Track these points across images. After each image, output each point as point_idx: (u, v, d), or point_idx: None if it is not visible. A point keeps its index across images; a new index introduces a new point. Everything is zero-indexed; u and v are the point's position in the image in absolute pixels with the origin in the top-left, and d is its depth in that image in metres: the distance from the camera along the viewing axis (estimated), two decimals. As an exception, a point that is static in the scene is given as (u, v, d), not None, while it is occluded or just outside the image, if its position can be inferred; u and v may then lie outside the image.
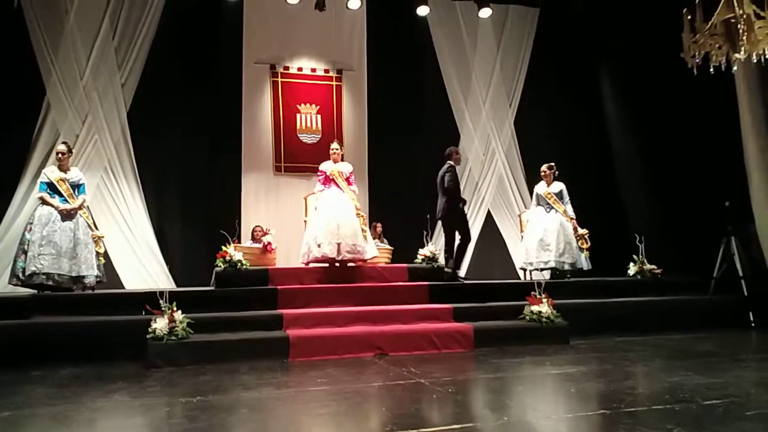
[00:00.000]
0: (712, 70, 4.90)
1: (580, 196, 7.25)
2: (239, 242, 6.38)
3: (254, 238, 7.11)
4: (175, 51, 7.81)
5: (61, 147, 5.57)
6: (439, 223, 6.77)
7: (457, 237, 6.39)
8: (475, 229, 8.61)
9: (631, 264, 6.56)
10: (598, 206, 7.99)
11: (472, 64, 8.97)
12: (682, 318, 5.75)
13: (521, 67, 9.15)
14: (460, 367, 4.08)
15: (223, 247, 5.65)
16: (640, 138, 8.45)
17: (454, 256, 6.35)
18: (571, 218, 6.80)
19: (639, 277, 6.47)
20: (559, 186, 6.86)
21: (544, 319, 5.00)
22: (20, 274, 5.05)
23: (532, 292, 5.21)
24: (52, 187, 5.33)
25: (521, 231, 7.72)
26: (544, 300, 5.12)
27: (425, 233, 6.43)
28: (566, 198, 6.84)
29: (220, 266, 5.54)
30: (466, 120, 8.90)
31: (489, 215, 8.79)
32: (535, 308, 5.07)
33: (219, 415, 2.75)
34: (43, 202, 5.28)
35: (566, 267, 6.59)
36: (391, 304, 5.29)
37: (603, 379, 3.45)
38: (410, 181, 8.24)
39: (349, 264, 5.93)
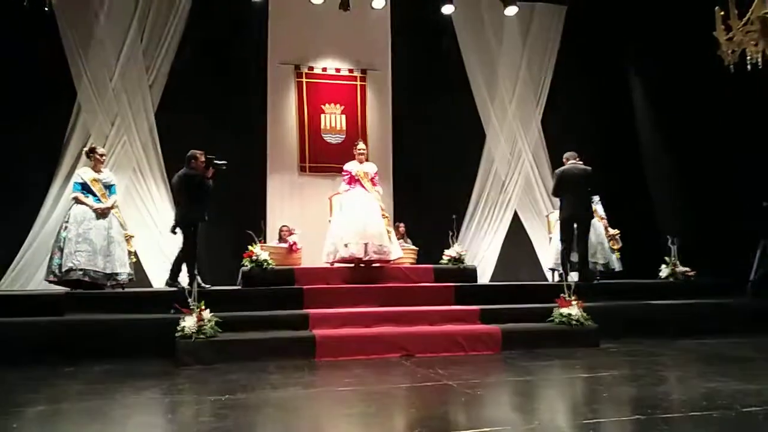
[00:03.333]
0: (749, 67, 4.75)
1: (610, 197, 7.12)
2: (265, 242, 6.42)
3: (280, 238, 7.15)
4: (201, 53, 7.90)
5: (102, 149, 5.76)
6: (465, 222, 6.70)
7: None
8: (501, 229, 8.54)
9: (663, 266, 6.42)
10: (627, 206, 7.82)
11: (497, 63, 8.89)
12: (716, 322, 5.59)
13: (548, 65, 9.02)
14: (488, 370, 4.03)
15: (250, 247, 5.69)
16: (670, 136, 8.25)
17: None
18: (602, 218, 6.67)
19: (671, 279, 6.32)
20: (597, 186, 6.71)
21: (573, 322, 4.91)
22: (57, 271, 5.18)
23: (561, 294, 5.13)
24: (86, 188, 5.47)
25: (549, 232, 7.62)
26: (574, 302, 5.03)
27: (450, 234, 6.38)
28: (596, 197, 6.71)
29: (247, 266, 5.58)
30: (492, 119, 8.82)
31: (515, 216, 8.68)
32: (564, 310, 4.99)
33: (248, 414, 2.76)
34: (78, 201, 5.41)
35: (598, 267, 6.47)
36: (417, 305, 5.27)
37: (636, 384, 3.37)
38: (435, 182, 8.21)
39: (374, 264, 5.91)
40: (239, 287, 5.57)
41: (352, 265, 5.87)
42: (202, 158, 5.59)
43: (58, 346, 4.36)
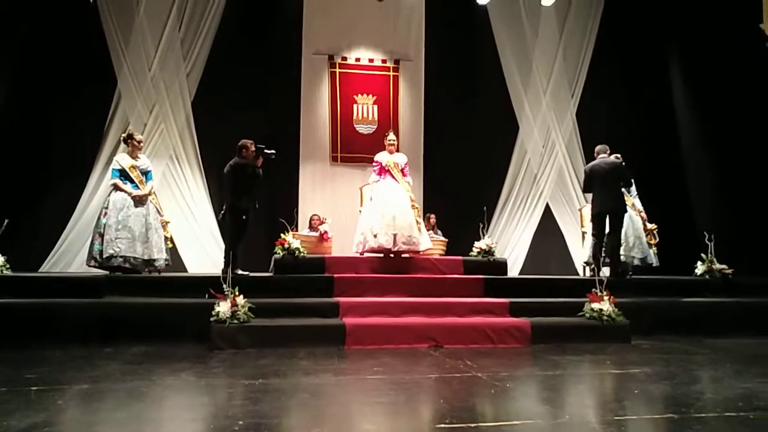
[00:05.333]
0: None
1: (646, 191, 6.97)
2: (296, 230, 6.51)
3: (311, 227, 7.23)
4: (237, 43, 8.00)
5: (140, 136, 5.89)
6: (496, 214, 6.65)
7: None
8: (532, 222, 8.46)
9: (699, 263, 6.27)
10: (664, 201, 7.63)
11: (532, 53, 8.75)
12: (754, 321, 5.44)
13: (584, 56, 8.84)
14: (518, 363, 4.03)
15: (282, 235, 5.78)
16: (711, 130, 8.00)
17: None
18: (640, 211, 6.55)
19: (707, 276, 6.17)
20: (630, 179, 6.58)
21: (605, 317, 4.86)
22: (98, 257, 5.36)
23: (593, 289, 5.07)
24: (124, 174, 5.61)
25: (581, 226, 7.51)
26: (606, 297, 4.97)
27: (481, 226, 6.36)
28: (634, 191, 6.58)
29: (279, 253, 5.67)
30: (526, 111, 8.70)
31: (547, 209, 8.58)
32: (595, 306, 4.93)
33: (281, 399, 2.83)
34: (117, 188, 5.56)
35: (635, 262, 6.36)
36: (446, 297, 5.28)
37: (669, 382, 3.32)
38: (466, 174, 8.16)
39: (404, 255, 5.94)
40: (271, 274, 5.66)
41: (382, 255, 5.91)
42: (252, 148, 5.67)
43: (98, 328, 4.52)
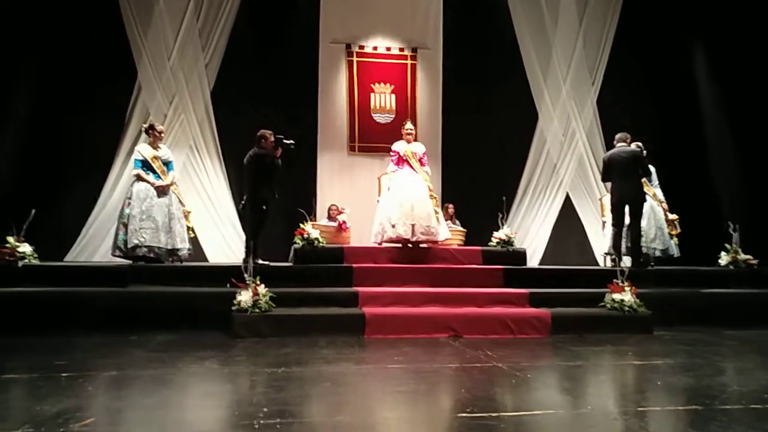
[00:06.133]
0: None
1: (668, 180, 6.86)
2: (315, 220, 6.54)
3: (329, 217, 7.27)
4: (255, 33, 8.03)
5: (161, 126, 5.96)
6: (515, 204, 6.61)
7: None
8: (551, 212, 8.39)
9: (723, 253, 6.17)
10: (686, 191, 7.51)
11: (552, 40, 8.63)
12: (780, 313, 5.36)
13: (605, 43, 8.70)
14: (538, 353, 4.02)
15: (301, 225, 5.81)
16: (736, 118, 7.84)
17: None
18: (661, 202, 6.46)
19: (732, 267, 6.08)
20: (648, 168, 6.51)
21: (626, 308, 4.82)
22: (122, 246, 5.45)
23: (614, 280, 5.03)
24: (146, 165, 5.68)
25: (602, 216, 7.43)
26: (627, 288, 4.92)
27: (500, 216, 6.33)
28: (655, 181, 6.49)
29: (298, 243, 5.71)
30: (545, 99, 8.61)
31: (567, 198, 8.50)
32: (616, 296, 4.89)
33: (303, 387, 2.87)
34: (139, 178, 5.63)
35: (657, 253, 6.29)
36: (465, 287, 5.27)
37: (692, 373, 3.29)
38: (485, 163, 8.12)
39: (422, 245, 5.94)
40: (291, 264, 5.71)
41: (400, 245, 5.92)
42: (272, 138, 5.70)
43: (123, 316, 4.60)
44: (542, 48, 8.63)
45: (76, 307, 4.62)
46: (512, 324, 4.60)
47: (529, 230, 8.34)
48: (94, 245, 7.17)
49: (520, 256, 6.12)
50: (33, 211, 5.38)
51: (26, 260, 5.14)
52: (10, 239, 5.15)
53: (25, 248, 5.17)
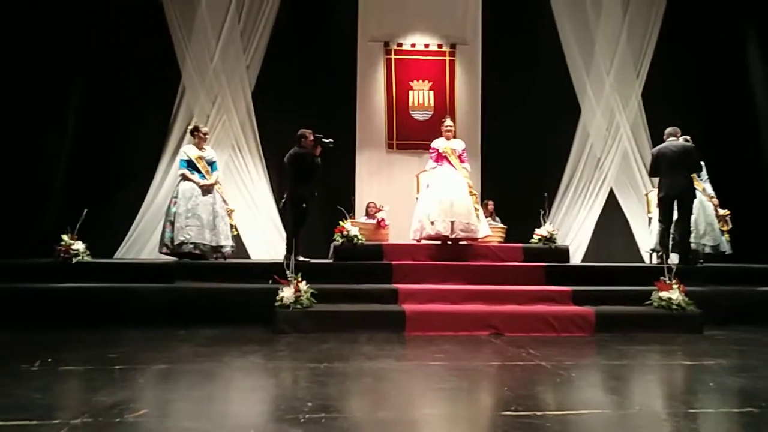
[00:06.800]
0: None
1: (718, 175, 6.61)
2: (354, 218, 6.59)
3: (368, 214, 7.30)
4: (294, 33, 8.11)
5: (205, 128, 6.16)
6: (557, 200, 6.50)
7: None
8: (595, 208, 8.20)
9: (778, 249, 5.90)
10: (738, 186, 7.20)
11: (595, 32, 8.40)
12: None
13: (651, 34, 8.41)
14: (582, 352, 3.95)
15: (340, 223, 5.87)
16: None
17: None
18: (712, 197, 6.23)
19: (787, 264, 5.81)
20: (699, 163, 6.27)
21: (674, 306, 4.67)
22: (169, 243, 5.64)
23: (661, 277, 4.88)
24: (191, 165, 5.85)
25: (648, 212, 7.22)
26: (675, 286, 4.77)
27: (541, 212, 6.22)
28: (705, 175, 6.26)
29: (338, 240, 5.76)
30: (588, 93, 8.39)
31: (611, 194, 8.28)
32: (664, 294, 4.74)
33: (346, 383, 2.90)
34: (185, 178, 5.81)
35: (707, 249, 6.07)
36: (506, 284, 5.21)
37: (747, 375, 3.16)
38: (525, 159, 7.99)
39: (462, 242, 5.90)
40: (331, 261, 5.76)
41: (439, 242, 5.90)
42: (311, 137, 5.77)
43: (170, 311, 4.74)
44: (584, 40, 8.42)
45: (126, 303, 4.81)
46: (555, 322, 4.52)
47: (572, 227, 8.15)
48: (142, 242, 7.40)
49: (563, 253, 6.01)
50: (85, 210, 5.60)
51: (79, 257, 5.35)
52: (65, 237, 5.38)
53: (79, 246, 5.39)
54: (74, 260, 5.30)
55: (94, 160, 7.41)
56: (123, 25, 7.55)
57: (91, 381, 2.84)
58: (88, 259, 5.44)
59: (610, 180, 8.26)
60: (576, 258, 7.66)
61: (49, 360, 3.21)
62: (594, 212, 8.19)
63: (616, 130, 8.34)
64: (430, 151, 6.33)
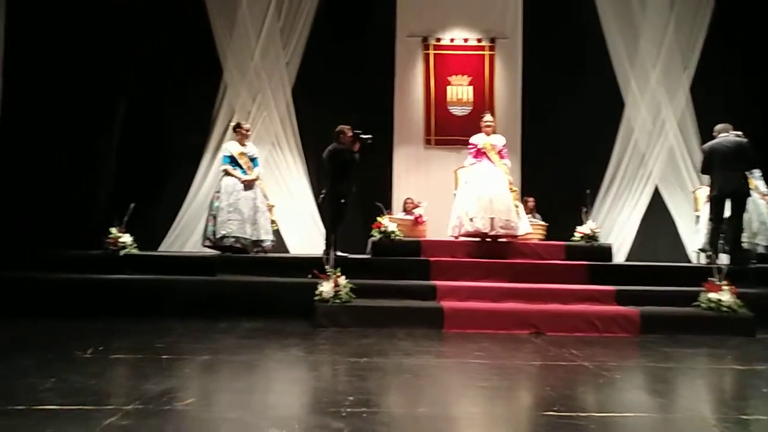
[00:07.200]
0: None
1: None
2: (391, 214, 6.60)
3: (405, 210, 7.30)
4: (333, 30, 8.16)
5: (247, 125, 6.27)
6: (599, 197, 6.34)
7: None
8: (639, 206, 7.97)
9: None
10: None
11: (640, 24, 8.15)
12: None
13: (700, 26, 8.10)
14: (627, 353, 3.85)
15: (378, 218, 5.88)
16: None
17: None
18: (765, 195, 5.97)
19: None
20: (755, 160, 6.02)
21: (724, 309, 4.50)
22: (211, 237, 5.79)
23: (710, 278, 4.71)
24: (233, 161, 5.98)
25: (696, 210, 6.98)
26: (725, 287, 4.59)
27: (583, 209, 6.09)
28: (757, 173, 6.01)
29: (376, 236, 5.78)
30: (632, 87, 8.16)
31: (656, 191, 8.03)
32: (713, 296, 4.58)
33: (386, 378, 2.91)
34: (227, 173, 5.94)
35: (760, 249, 5.84)
36: (547, 283, 5.13)
37: (804, 382, 3.03)
38: (566, 154, 7.83)
39: (501, 239, 5.83)
40: (369, 256, 5.79)
41: (478, 239, 5.84)
42: (350, 133, 5.81)
43: (212, 303, 4.86)
44: (628, 32, 8.17)
45: (170, 294, 4.94)
46: (598, 322, 4.42)
47: (614, 225, 7.96)
48: (185, 236, 7.59)
49: (606, 251, 5.87)
50: (132, 204, 5.79)
51: (127, 250, 5.54)
52: (113, 230, 5.57)
53: (126, 239, 5.58)
54: (122, 252, 5.49)
55: (141, 156, 7.65)
56: (168, 27, 7.76)
57: (140, 369, 2.93)
58: (134, 251, 5.62)
59: (656, 176, 8.01)
60: (619, 257, 7.47)
61: (101, 348, 3.34)
62: (638, 210, 7.97)
63: (661, 126, 8.08)
64: (469, 146, 6.27)
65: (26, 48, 7.16)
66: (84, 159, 7.36)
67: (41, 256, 5.65)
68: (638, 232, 7.91)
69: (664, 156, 8.02)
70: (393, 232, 5.79)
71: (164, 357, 3.17)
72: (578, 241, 5.92)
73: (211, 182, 7.40)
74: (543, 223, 7.08)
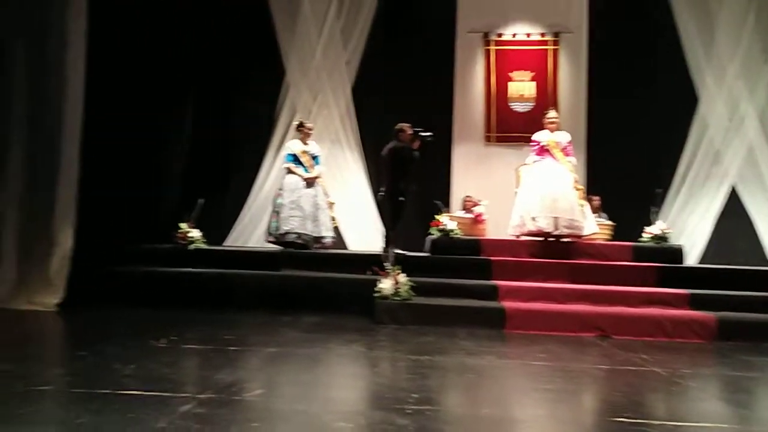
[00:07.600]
0: None
1: None
2: (450, 212, 6.54)
3: (464, 208, 7.22)
4: (393, 27, 8.16)
5: (310, 124, 6.41)
6: (669, 196, 6.06)
7: None
8: (713, 205, 7.54)
9: None
10: None
11: (717, 15, 7.68)
12: None
13: (784, 14, 7.57)
14: (701, 360, 3.67)
15: (437, 216, 5.85)
16: None
17: None
18: None
19: None
20: None
21: (810, 316, 4.20)
22: (274, 233, 5.97)
23: (795, 283, 4.41)
24: (296, 159, 6.12)
25: (777, 210, 6.54)
26: (812, 293, 4.29)
27: (652, 209, 5.83)
28: None
29: (435, 234, 5.75)
30: (706, 81, 7.71)
31: (732, 191, 7.57)
32: (798, 302, 4.28)
33: (448, 376, 2.90)
34: (290, 171, 6.09)
35: None
36: (613, 285, 4.95)
37: None
38: (634, 152, 7.51)
39: (565, 239, 5.67)
40: (428, 254, 5.77)
41: (541, 239, 5.71)
42: (409, 131, 5.81)
43: (276, 297, 5.00)
44: (704, 22, 7.71)
45: (235, 287, 5.12)
46: (669, 326, 4.24)
47: (686, 225, 7.55)
48: (249, 231, 7.81)
49: (677, 253, 5.61)
50: (200, 200, 6.02)
51: (195, 244, 5.77)
52: (183, 225, 5.82)
53: (195, 233, 5.81)
54: (191, 247, 5.72)
55: (207, 154, 7.93)
56: (233, 28, 7.99)
57: (210, 359, 3.05)
58: (202, 246, 5.84)
59: (733, 175, 7.55)
60: (691, 259, 7.10)
61: (174, 338, 3.50)
62: (712, 210, 7.52)
63: (740, 122, 7.60)
64: (532, 144, 6.13)
65: (105, 55, 7.58)
66: (155, 157, 7.72)
67: (123, 250, 5.91)
68: (712, 233, 7.49)
69: (742, 154, 7.54)
70: (452, 230, 5.75)
71: (232, 348, 3.30)
72: (647, 241, 5.68)
73: (274, 179, 7.58)
74: (610, 222, 6.82)
